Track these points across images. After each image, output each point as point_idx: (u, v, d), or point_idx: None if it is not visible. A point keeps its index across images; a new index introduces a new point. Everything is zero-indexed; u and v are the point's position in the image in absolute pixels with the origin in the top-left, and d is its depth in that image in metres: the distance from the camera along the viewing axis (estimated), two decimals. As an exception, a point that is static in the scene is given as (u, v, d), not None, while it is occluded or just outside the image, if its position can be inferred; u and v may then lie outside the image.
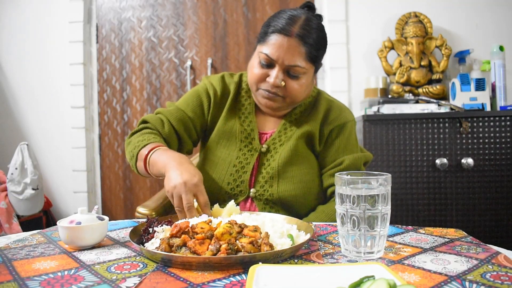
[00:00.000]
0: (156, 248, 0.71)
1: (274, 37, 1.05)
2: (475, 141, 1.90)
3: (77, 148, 2.66)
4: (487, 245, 0.76)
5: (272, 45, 1.05)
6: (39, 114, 2.70)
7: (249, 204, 1.12)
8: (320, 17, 1.14)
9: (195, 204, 0.90)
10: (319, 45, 1.08)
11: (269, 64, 1.07)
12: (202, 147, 1.25)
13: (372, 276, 0.51)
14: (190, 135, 1.19)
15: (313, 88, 1.23)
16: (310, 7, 1.14)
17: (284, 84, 1.07)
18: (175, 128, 1.16)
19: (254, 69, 1.10)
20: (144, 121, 1.19)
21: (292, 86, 1.08)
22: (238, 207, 0.92)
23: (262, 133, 1.19)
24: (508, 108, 1.98)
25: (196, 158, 1.45)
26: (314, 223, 0.96)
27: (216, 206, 0.93)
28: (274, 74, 1.06)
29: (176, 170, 0.93)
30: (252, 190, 1.12)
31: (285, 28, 1.04)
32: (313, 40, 1.06)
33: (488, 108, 2.03)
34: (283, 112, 1.18)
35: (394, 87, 2.31)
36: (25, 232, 0.91)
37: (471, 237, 0.82)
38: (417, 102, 2.14)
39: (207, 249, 0.67)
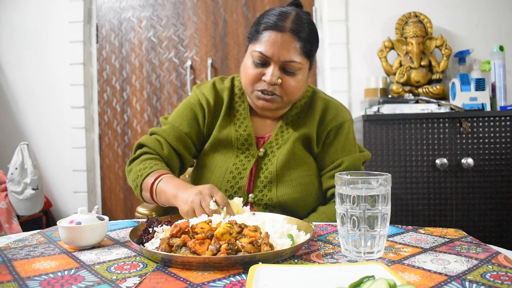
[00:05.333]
0: (156, 248, 0.71)
1: (267, 33, 1.02)
2: (475, 141, 1.90)
3: (77, 148, 2.66)
4: (487, 245, 0.75)
5: (266, 42, 1.02)
6: (39, 114, 2.70)
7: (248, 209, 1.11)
8: (308, 14, 1.12)
9: (213, 205, 0.87)
10: (312, 39, 1.06)
11: (264, 62, 1.04)
12: (198, 155, 1.23)
13: (372, 276, 0.51)
14: (189, 151, 1.17)
15: (308, 87, 1.21)
16: (298, 5, 1.13)
17: (280, 81, 1.04)
18: (174, 148, 1.14)
19: (248, 70, 1.07)
20: (141, 145, 1.16)
21: (289, 84, 1.05)
22: (247, 207, 0.94)
23: (259, 137, 1.17)
24: (508, 108, 1.98)
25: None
26: (314, 223, 0.96)
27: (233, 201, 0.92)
28: (270, 71, 1.03)
29: (187, 191, 0.92)
30: (250, 195, 1.10)
31: (277, 24, 1.01)
32: (306, 34, 1.04)
33: (488, 108, 2.03)
34: (280, 113, 1.16)
35: (394, 87, 2.31)
36: (25, 232, 0.91)
37: (471, 237, 0.82)
38: (417, 102, 2.14)
39: (207, 249, 0.67)
